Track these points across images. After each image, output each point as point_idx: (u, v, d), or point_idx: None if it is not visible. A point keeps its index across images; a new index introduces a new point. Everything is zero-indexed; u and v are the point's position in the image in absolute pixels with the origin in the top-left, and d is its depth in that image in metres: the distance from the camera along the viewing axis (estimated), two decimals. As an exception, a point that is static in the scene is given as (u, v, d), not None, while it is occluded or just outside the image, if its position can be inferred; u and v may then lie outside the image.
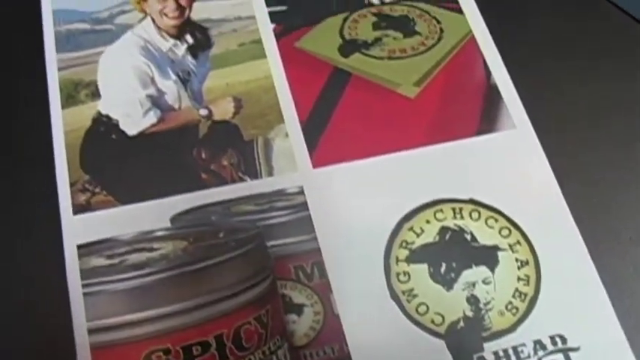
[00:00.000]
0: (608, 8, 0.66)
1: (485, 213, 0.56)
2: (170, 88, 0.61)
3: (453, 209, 0.56)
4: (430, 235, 0.55)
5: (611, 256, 0.54)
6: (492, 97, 0.61)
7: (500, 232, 0.55)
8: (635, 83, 0.62)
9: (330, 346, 0.52)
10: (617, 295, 0.53)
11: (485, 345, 0.51)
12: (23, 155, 0.58)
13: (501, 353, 0.51)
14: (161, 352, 0.50)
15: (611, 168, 0.58)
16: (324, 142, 0.58)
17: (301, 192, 0.56)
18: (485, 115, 0.60)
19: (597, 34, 0.65)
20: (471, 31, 0.64)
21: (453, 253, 0.54)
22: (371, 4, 0.66)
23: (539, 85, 0.61)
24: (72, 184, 0.57)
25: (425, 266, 0.54)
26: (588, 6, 0.66)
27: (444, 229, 0.55)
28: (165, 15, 0.64)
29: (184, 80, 0.61)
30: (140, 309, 0.51)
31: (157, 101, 0.60)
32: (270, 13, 0.65)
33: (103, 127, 0.59)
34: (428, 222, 0.55)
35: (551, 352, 0.51)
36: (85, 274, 0.53)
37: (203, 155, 0.58)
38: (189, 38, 0.64)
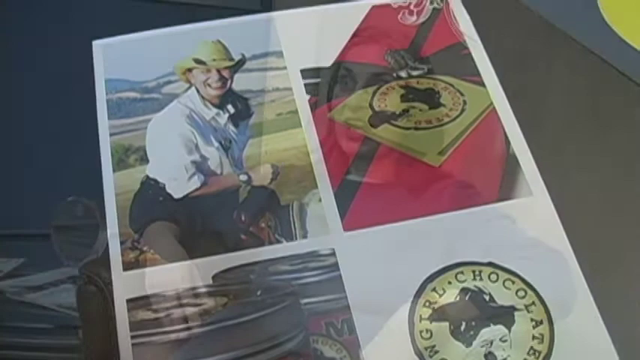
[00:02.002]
0: (622, 81, 0.68)
1: (503, 275, 0.57)
2: (213, 154, 0.64)
3: (473, 271, 0.58)
4: (451, 295, 0.57)
5: (621, 316, 0.57)
6: (511, 165, 0.63)
7: (516, 294, 0.57)
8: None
9: (358, 397, 0.54)
10: (626, 354, 0.54)
11: (502, 400, 0.54)
12: (77, 216, 0.62)
13: (517, 408, 0.53)
14: (202, 400, 0.53)
15: (621, 234, 0.60)
16: (355, 207, 0.61)
17: (333, 254, 0.58)
18: (505, 183, 0.62)
19: (612, 106, 0.67)
20: (492, 103, 0.66)
21: (473, 312, 0.56)
22: (399, 77, 0.68)
23: (555, 154, 0.64)
24: (122, 243, 0.59)
25: (446, 324, 0.56)
26: (602, 79, 0.69)
27: (464, 290, 0.57)
28: (209, 85, 0.67)
29: (226, 147, 0.64)
30: (183, 360, 0.53)
31: (200, 167, 0.63)
32: (306, 85, 0.68)
33: (151, 190, 0.62)
34: (450, 283, 0.57)
35: (564, 408, 0.53)
36: (134, 326, 0.55)
37: (243, 218, 0.60)
38: (230, 108, 0.66)
